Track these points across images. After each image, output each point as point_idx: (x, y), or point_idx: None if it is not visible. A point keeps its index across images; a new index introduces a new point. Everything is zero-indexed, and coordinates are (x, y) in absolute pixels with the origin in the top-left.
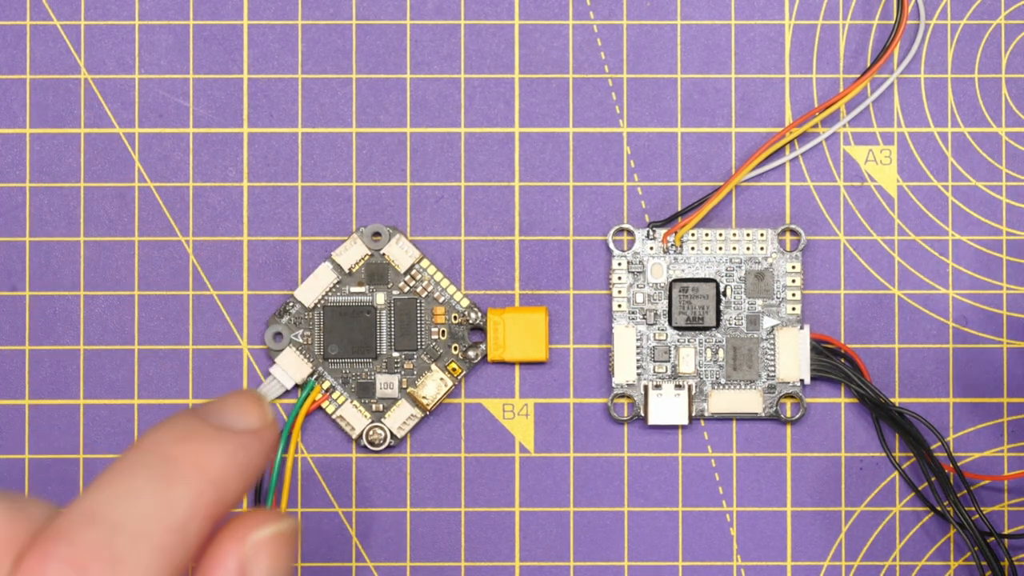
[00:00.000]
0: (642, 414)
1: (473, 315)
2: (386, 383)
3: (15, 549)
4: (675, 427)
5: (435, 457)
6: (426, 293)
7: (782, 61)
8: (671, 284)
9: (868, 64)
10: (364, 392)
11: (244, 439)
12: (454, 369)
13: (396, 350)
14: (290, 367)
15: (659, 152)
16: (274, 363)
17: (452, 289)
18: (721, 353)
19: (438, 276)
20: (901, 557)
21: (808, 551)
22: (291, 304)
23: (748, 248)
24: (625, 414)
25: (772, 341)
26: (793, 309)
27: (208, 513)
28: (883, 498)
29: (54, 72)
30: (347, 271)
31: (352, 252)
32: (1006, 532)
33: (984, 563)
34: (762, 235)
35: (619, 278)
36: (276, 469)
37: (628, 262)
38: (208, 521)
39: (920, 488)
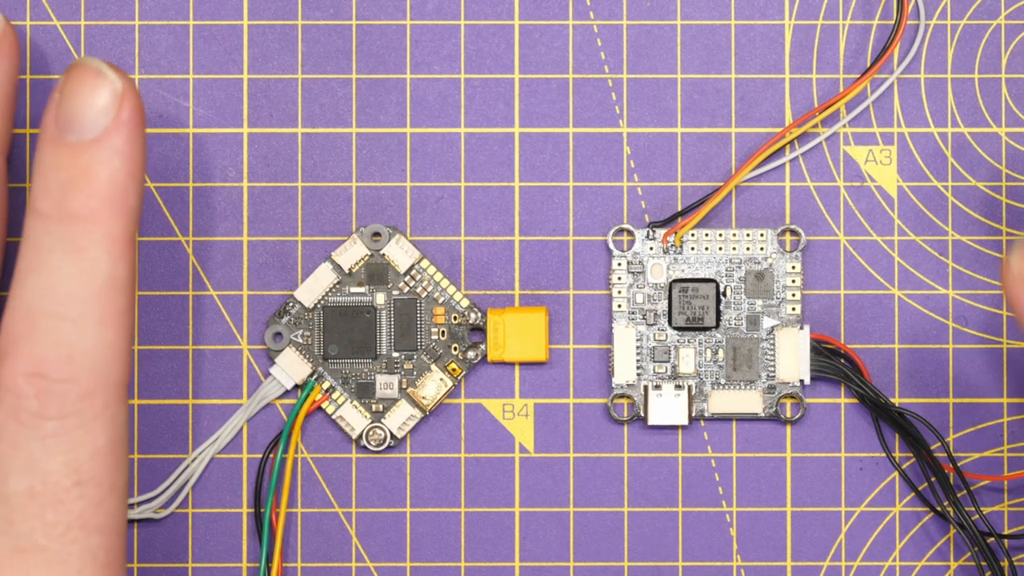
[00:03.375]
0: (642, 414)
1: (473, 315)
2: (386, 383)
3: None
4: (675, 427)
5: (435, 457)
6: (426, 293)
7: (782, 61)
8: (671, 284)
9: (868, 64)
10: (364, 392)
11: (112, 143)
12: (454, 369)
13: (396, 350)
14: (290, 367)
15: (659, 152)
16: (274, 363)
17: (452, 289)
18: (721, 353)
19: (438, 276)
20: (901, 557)
21: (808, 551)
22: (291, 304)
23: (748, 248)
24: (625, 414)
25: (772, 341)
26: (793, 309)
27: (124, 242)
28: (883, 498)
29: (54, 72)
30: (347, 271)
31: (352, 252)
32: (1006, 532)
33: (984, 563)
34: (762, 235)
35: (619, 278)
36: (276, 469)
37: (628, 262)
38: (128, 247)
39: (920, 488)
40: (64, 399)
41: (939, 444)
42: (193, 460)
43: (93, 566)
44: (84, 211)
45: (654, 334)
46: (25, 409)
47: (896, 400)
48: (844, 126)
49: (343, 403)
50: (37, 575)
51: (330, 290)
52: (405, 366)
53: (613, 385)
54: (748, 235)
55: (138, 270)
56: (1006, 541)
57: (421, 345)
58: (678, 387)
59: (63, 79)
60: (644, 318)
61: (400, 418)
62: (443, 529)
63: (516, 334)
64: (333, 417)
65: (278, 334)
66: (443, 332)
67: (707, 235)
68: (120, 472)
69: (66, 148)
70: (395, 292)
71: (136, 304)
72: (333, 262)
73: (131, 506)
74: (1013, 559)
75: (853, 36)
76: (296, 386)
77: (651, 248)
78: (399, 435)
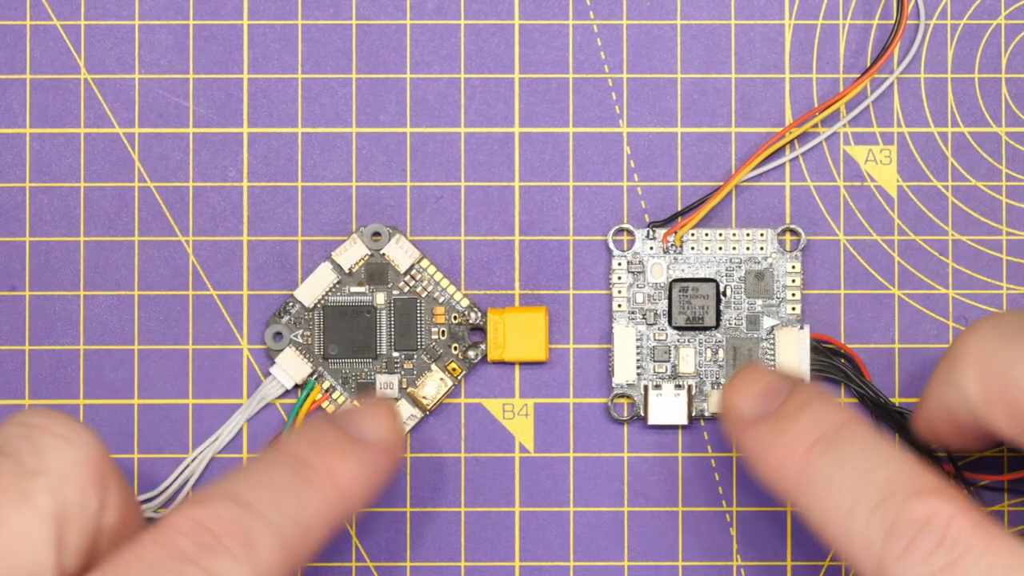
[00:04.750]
0: (642, 414)
1: (473, 315)
2: (386, 383)
3: (103, 484)
4: (675, 427)
5: (435, 457)
6: (426, 293)
7: (782, 61)
8: (671, 284)
9: (868, 64)
10: (364, 392)
11: (374, 454)
12: (454, 369)
13: (396, 350)
14: (290, 367)
15: (659, 152)
16: (274, 363)
17: (452, 289)
18: (721, 353)
19: (438, 276)
20: None
21: (808, 551)
22: (291, 304)
23: (748, 248)
24: (625, 414)
25: (772, 341)
26: (793, 309)
27: (332, 519)
28: None
29: (54, 72)
30: (347, 271)
31: (352, 252)
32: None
33: None
34: (762, 235)
35: (619, 278)
36: None
37: (628, 262)
38: (331, 528)
39: None
40: (219, 563)
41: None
42: (193, 460)
43: None
44: (323, 469)
45: (654, 334)
46: (178, 544)
47: (896, 400)
48: (844, 126)
49: (343, 403)
50: None
51: (330, 290)
52: (405, 366)
53: (613, 385)
54: (748, 235)
55: (138, 270)
56: None
57: (421, 345)
58: (678, 387)
59: (365, 404)
60: (644, 318)
61: (400, 418)
62: (443, 529)
63: (516, 334)
64: None
65: (278, 334)
66: (443, 332)
67: (707, 235)
68: None
69: (336, 429)
70: (395, 292)
71: (136, 305)
72: (333, 262)
73: None
74: None
75: (853, 36)
76: (296, 386)
77: (651, 248)
78: None
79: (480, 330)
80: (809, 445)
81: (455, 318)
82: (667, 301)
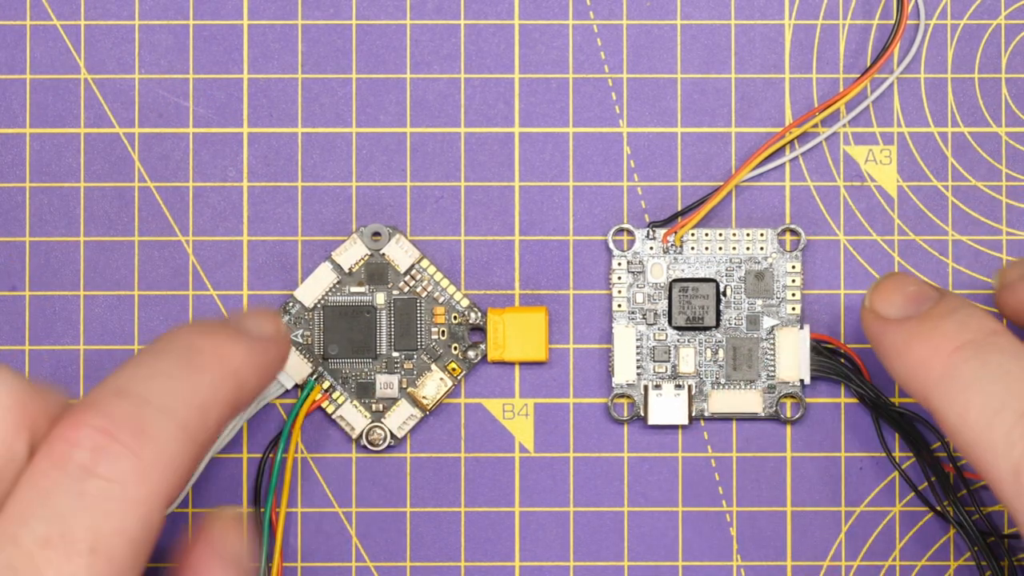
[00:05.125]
0: (642, 414)
1: (473, 315)
2: (386, 383)
3: (30, 424)
4: (675, 427)
5: (435, 457)
6: (426, 293)
7: (782, 61)
8: (671, 284)
9: (868, 64)
10: (364, 392)
11: (260, 342)
12: (454, 369)
13: (396, 350)
14: (290, 367)
15: (659, 152)
16: None
17: (452, 289)
18: (721, 353)
19: (438, 276)
20: (901, 557)
21: (808, 551)
22: (291, 304)
23: (748, 248)
24: (625, 414)
25: (772, 341)
26: (793, 309)
27: (228, 400)
28: (883, 498)
29: (54, 72)
30: (347, 271)
31: (352, 252)
32: (1006, 532)
33: (984, 563)
34: (762, 235)
35: (619, 278)
36: (276, 469)
37: (628, 262)
38: (228, 408)
39: (920, 488)
40: (119, 464)
41: (939, 444)
42: None
43: None
44: (212, 352)
45: (654, 334)
46: (74, 459)
47: (896, 400)
48: (844, 126)
49: (343, 403)
50: None
51: (330, 290)
52: (405, 366)
53: (613, 385)
54: (748, 235)
55: (138, 270)
56: (1006, 541)
57: (421, 345)
58: (678, 387)
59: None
60: (644, 318)
61: (400, 418)
62: (443, 529)
63: (516, 334)
64: (333, 417)
65: None
66: (443, 332)
67: (707, 235)
68: (134, 567)
69: (223, 324)
70: (395, 292)
71: (136, 305)
72: (333, 262)
73: None
74: (1013, 559)
75: (853, 36)
76: (296, 386)
77: (651, 248)
78: (399, 435)
79: (480, 330)
80: (957, 346)
81: (455, 318)
82: (667, 301)
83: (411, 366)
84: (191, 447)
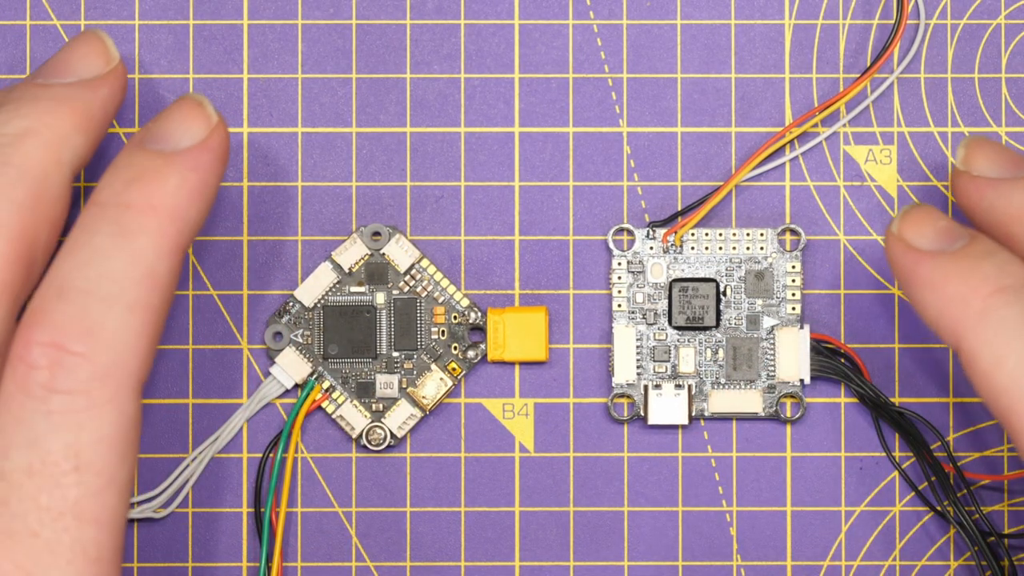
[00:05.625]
0: (642, 414)
1: (473, 315)
2: (386, 383)
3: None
4: (675, 427)
5: (435, 457)
6: (426, 293)
7: (782, 61)
8: (671, 284)
9: (868, 64)
10: (364, 392)
11: (192, 157)
12: (454, 369)
13: (396, 350)
14: (290, 367)
15: (659, 152)
16: (274, 363)
17: (452, 289)
18: (721, 353)
19: (438, 276)
20: (901, 557)
21: (808, 551)
22: (291, 304)
23: (748, 248)
24: (625, 414)
25: (772, 341)
26: (793, 309)
27: (174, 247)
28: (883, 498)
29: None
30: (347, 271)
31: (352, 252)
32: (1006, 532)
33: (984, 563)
34: (762, 235)
35: (619, 278)
36: (276, 469)
37: (628, 262)
38: (177, 253)
39: (920, 488)
40: (76, 374)
41: (939, 444)
42: (193, 460)
43: (83, 560)
44: (142, 203)
45: (654, 334)
46: (34, 380)
47: (896, 400)
48: (844, 126)
49: (343, 403)
50: (23, 561)
51: (330, 290)
52: (405, 366)
53: (613, 385)
54: (748, 235)
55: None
56: (1006, 541)
57: (421, 345)
58: (678, 387)
59: (167, 107)
60: (644, 318)
61: (400, 418)
62: (443, 529)
63: (516, 334)
64: (333, 417)
65: (278, 334)
66: (443, 332)
67: (707, 235)
68: (123, 466)
69: (145, 152)
70: (395, 292)
71: None
72: (333, 262)
73: (131, 506)
74: (1013, 559)
75: (853, 36)
76: (296, 386)
77: (651, 248)
78: (399, 435)
79: (480, 330)
80: (997, 288)
81: (455, 318)
82: (667, 301)
83: (411, 366)
84: (146, 318)
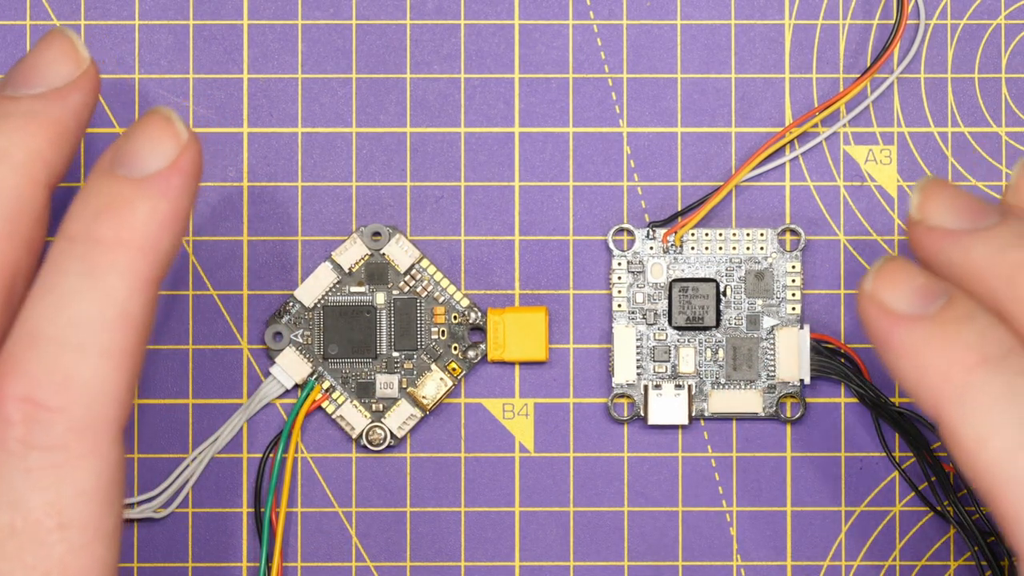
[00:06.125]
0: (642, 414)
1: (473, 315)
2: (386, 383)
3: None
4: (675, 427)
5: (435, 457)
6: (426, 293)
7: (782, 61)
8: (671, 284)
9: (868, 64)
10: (364, 392)
11: (162, 183)
12: (454, 369)
13: (396, 350)
14: (290, 367)
15: (659, 152)
16: (274, 363)
17: (452, 289)
18: (721, 353)
19: (438, 276)
20: (901, 557)
21: (808, 551)
22: (291, 304)
23: (748, 248)
24: (625, 414)
25: (772, 341)
26: (793, 309)
27: (147, 281)
28: (883, 498)
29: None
30: (347, 271)
31: (352, 252)
32: None
33: (984, 563)
34: (762, 235)
35: (619, 278)
36: (276, 469)
37: (628, 262)
38: (151, 287)
39: (920, 488)
40: (52, 429)
41: (939, 444)
42: (193, 460)
43: None
44: (112, 238)
45: (654, 334)
46: (11, 436)
47: (896, 400)
48: (844, 126)
49: (343, 403)
50: None
51: (330, 290)
52: (405, 366)
53: (613, 385)
54: (748, 235)
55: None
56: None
57: (421, 345)
58: (678, 387)
59: (134, 123)
60: (644, 318)
61: (400, 418)
62: (443, 529)
63: (516, 334)
64: (333, 417)
65: (278, 334)
66: (443, 332)
67: (707, 235)
68: (109, 516)
69: (114, 179)
70: (395, 292)
71: None
72: (333, 262)
73: (131, 505)
74: (1013, 559)
75: (853, 36)
76: (296, 386)
77: (651, 248)
78: (399, 435)
79: (480, 330)
80: (980, 360)
81: (455, 318)
82: (667, 301)
83: (411, 366)
84: (122, 362)
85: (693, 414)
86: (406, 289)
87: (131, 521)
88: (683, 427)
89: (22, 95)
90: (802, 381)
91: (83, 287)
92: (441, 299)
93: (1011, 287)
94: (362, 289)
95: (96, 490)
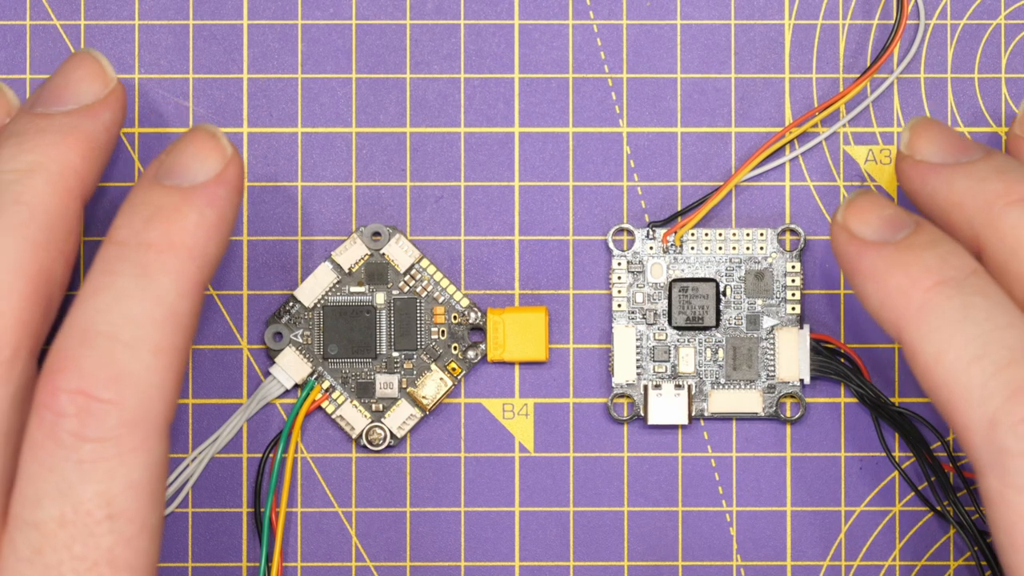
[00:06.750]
0: (642, 414)
1: (473, 315)
2: (386, 383)
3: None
4: (675, 427)
5: (435, 457)
6: (426, 293)
7: (782, 61)
8: (671, 284)
9: (868, 64)
10: (364, 392)
11: (209, 192)
12: (454, 369)
13: (396, 350)
14: (290, 367)
15: (659, 152)
16: (274, 363)
17: (452, 289)
18: (721, 353)
19: (438, 276)
20: (901, 557)
21: (808, 551)
22: (291, 304)
23: (748, 248)
24: (625, 414)
25: (772, 341)
26: (793, 309)
27: (195, 285)
28: (883, 498)
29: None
30: (347, 271)
31: (352, 252)
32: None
33: (984, 563)
34: (762, 235)
35: (619, 278)
36: (276, 469)
37: (628, 262)
38: (198, 291)
39: (920, 488)
40: (105, 422)
41: (939, 444)
42: (193, 460)
43: None
44: (162, 242)
45: (654, 334)
46: (64, 428)
47: (896, 400)
48: (844, 126)
49: (343, 403)
50: None
51: (330, 290)
52: (405, 366)
53: (613, 385)
54: (748, 235)
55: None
56: None
57: (421, 345)
58: (678, 387)
59: (180, 137)
60: (644, 318)
61: (400, 418)
62: (443, 529)
63: (516, 334)
64: (333, 417)
65: (278, 334)
66: (443, 332)
67: (707, 235)
68: (154, 510)
69: (162, 188)
70: (395, 292)
71: None
72: (333, 262)
73: None
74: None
75: (853, 36)
76: (296, 386)
77: (651, 248)
78: (399, 435)
79: (480, 330)
80: (938, 281)
81: (455, 318)
82: (667, 301)
83: (411, 366)
84: (171, 360)
85: (693, 414)
86: (406, 289)
87: None
88: (683, 427)
89: (54, 112)
90: (802, 381)
91: (135, 287)
92: (441, 299)
93: (987, 214)
94: (362, 289)
95: (144, 484)
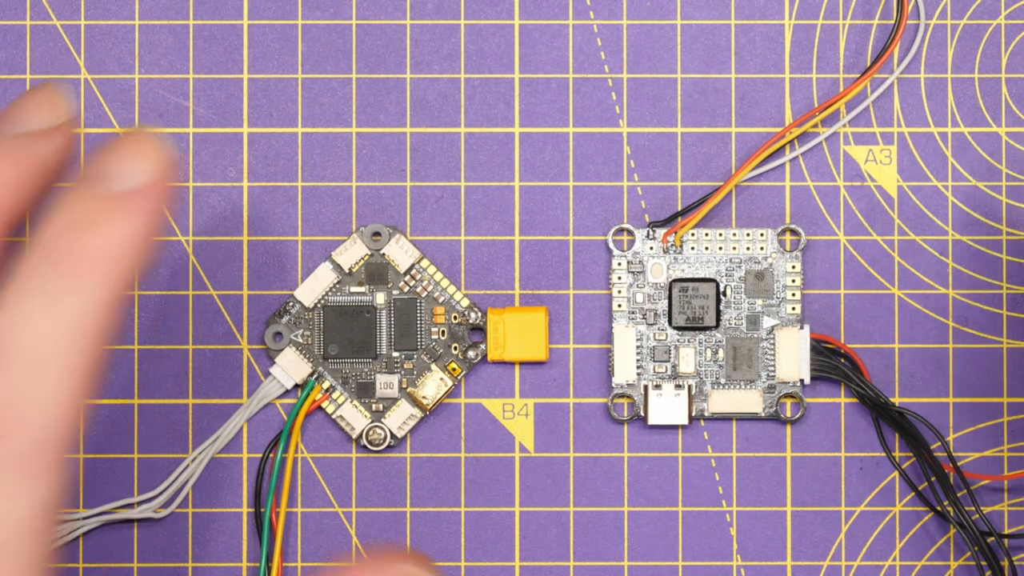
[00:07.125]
0: (642, 414)
1: (473, 315)
2: (386, 383)
3: None
4: (675, 427)
5: (435, 457)
6: (426, 293)
7: (782, 61)
8: (671, 284)
9: (868, 64)
10: (364, 392)
11: (139, 200)
12: (454, 369)
13: (396, 350)
14: (290, 367)
15: (659, 152)
16: (274, 363)
17: (452, 289)
18: (721, 353)
19: (438, 276)
20: (901, 557)
21: (808, 551)
22: (291, 304)
23: (748, 248)
24: (625, 414)
25: (772, 341)
26: (793, 309)
27: (112, 299)
28: (883, 498)
29: (54, 72)
30: (347, 271)
31: (352, 252)
32: (1006, 532)
33: (984, 563)
34: (762, 235)
35: (619, 278)
36: (276, 469)
37: (628, 262)
38: (115, 304)
39: (920, 488)
40: (2, 448)
41: (939, 444)
42: (193, 460)
43: None
44: (80, 254)
45: (654, 334)
46: None
47: (896, 400)
48: (844, 126)
49: (343, 403)
50: None
51: (330, 290)
52: (405, 366)
53: (613, 385)
54: (748, 235)
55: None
56: (1006, 541)
57: (421, 345)
58: (678, 387)
59: (113, 142)
60: (644, 318)
61: (400, 418)
62: (443, 529)
63: (516, 334)
64: (333, 417)
65: (278, 334)
66: (443, 332)
67: (707, 235)
68: (44, 542)
69: (88, 196)
70: (395, 292)
71: (136, 304)
72: (333, 262)
73: (131, 506)
74: (1013, 559)
75: (853, 36)
76: (296, 386)
77: (651, 248)
78: (399, 435)
79: (480, 330)
80: None
81: (455, 318)
82: (667, 301)
83: (411, 366)
84: (79, 382)
85: (693, 414)
86: (406, 289)
87: (131, 521)
88: (683, 427)
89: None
90: (802, 381)
91: (48, 304)
92: (441, 299)
93: None
94: (362, 289)
95: (32, 519)
